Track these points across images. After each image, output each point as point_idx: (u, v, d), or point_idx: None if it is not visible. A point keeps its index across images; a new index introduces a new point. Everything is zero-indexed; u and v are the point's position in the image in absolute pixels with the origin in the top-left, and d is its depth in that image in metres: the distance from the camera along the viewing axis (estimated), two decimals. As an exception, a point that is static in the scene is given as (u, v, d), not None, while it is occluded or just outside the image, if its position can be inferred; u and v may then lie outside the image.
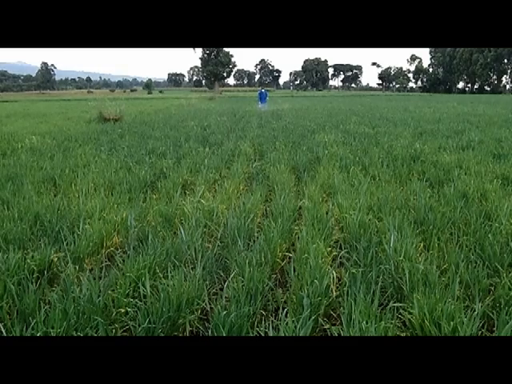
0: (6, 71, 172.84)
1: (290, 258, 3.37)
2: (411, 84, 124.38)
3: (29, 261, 2.99)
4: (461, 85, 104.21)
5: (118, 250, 3.50)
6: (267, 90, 25.82)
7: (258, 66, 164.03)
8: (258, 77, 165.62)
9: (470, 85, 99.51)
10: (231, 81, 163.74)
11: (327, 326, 2.45)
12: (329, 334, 2.42)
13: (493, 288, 2.81)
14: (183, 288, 2.57)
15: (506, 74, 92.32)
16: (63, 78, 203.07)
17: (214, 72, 78.97)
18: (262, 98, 22.49)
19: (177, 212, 4.26)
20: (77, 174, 5.89)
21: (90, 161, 7.02)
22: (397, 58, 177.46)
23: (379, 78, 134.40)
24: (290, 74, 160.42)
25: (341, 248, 3.53)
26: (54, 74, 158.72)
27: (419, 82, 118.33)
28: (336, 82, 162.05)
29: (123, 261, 3.07)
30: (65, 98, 52.14)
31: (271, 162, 6.76)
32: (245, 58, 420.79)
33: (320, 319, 2.48)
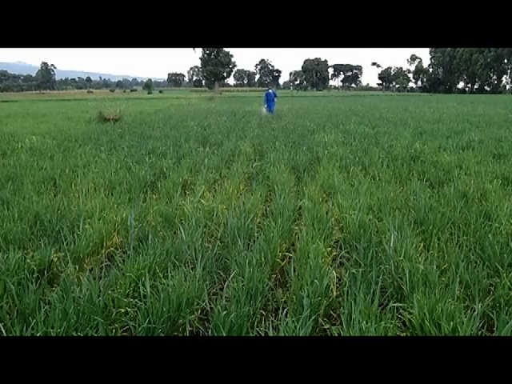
0: (6, 71, 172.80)
1: (290, 258, 3.37)
2: (411, 84, 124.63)
3: (29, 261, 2.99)
4: (461, 85, 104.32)
5: (117, 249, 3.49)
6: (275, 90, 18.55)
7: (258, 66, 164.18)
8: (257, 77, 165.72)
9: (470, 85, 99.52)
10: (231, 81, 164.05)
11: (327, 326, 2.45)
12: (329, 334, 2.42)
13: (493, 288, 2.81)
14: (183, 288, 2.57)
15: (506, 74, 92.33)
16: (63, 78, 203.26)
17: (214, 72, 79.04)
18: (270, 100, 17.25)
19: (177, 212, 4.26)
20: (77, 174, 5.88)
21: (89, 161, 7.02)
22: (397, 57, 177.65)
23: (379, 78, 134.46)
24: (290, 74, 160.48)
25: (341, 248, 3.53)
26: (54, 74, 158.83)
27: (419, 82, 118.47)
28: (336, 82, 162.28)
29: (123, 261, 3.07)
30: (65, 98, 52.08)
31: (271, 162, 6.76)
32: (245, 58, 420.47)
33: (320, 319, 2.48)
